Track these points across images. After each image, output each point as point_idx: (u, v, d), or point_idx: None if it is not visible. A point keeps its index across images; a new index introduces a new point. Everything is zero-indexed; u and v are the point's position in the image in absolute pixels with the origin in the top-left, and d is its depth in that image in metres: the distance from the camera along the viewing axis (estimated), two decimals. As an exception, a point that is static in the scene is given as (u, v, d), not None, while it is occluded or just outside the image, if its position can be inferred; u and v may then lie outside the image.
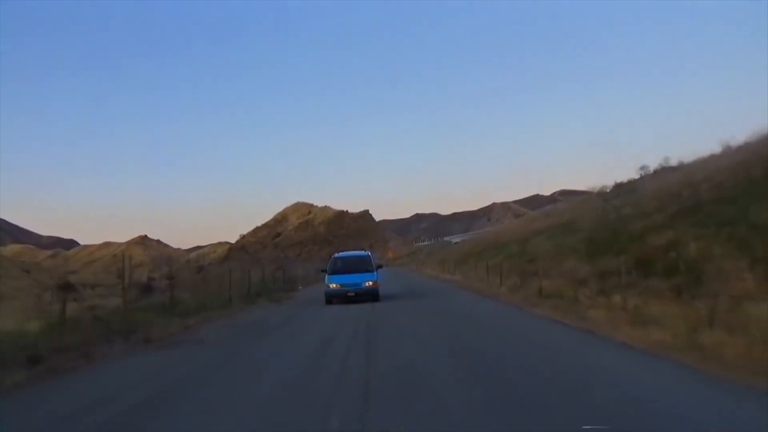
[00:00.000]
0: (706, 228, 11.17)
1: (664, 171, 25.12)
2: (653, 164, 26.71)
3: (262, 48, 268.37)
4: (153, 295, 25.25)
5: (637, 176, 26.45)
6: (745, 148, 18.04)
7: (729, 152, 19.42)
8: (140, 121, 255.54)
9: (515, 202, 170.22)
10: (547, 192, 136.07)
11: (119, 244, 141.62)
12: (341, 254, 20.82)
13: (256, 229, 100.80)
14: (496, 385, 5.41)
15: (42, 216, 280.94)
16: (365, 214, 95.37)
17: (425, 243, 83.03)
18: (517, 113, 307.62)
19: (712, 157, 20.55)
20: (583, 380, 5.46)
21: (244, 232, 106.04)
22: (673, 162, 24.39)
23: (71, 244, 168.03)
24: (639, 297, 9.82)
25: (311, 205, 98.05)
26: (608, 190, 26.72)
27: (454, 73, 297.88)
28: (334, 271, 18.27)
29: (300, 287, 28.87)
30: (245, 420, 4.66)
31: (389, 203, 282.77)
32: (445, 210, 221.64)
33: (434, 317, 12.27)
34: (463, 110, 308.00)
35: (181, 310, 14.45)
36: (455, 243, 62.57)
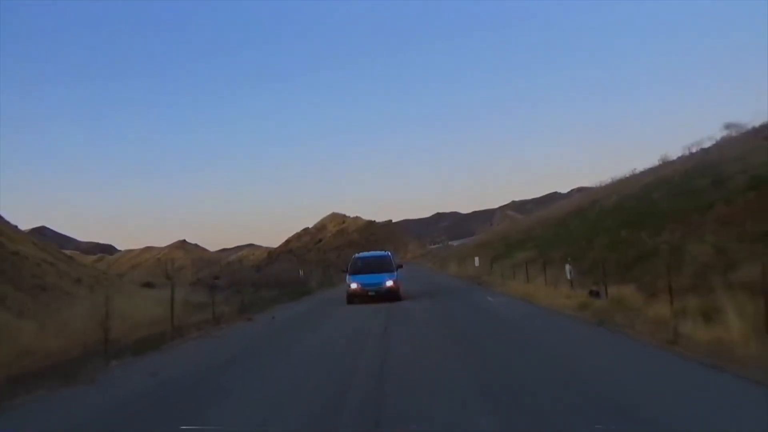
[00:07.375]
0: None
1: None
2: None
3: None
4: (219, 293, 31.14)
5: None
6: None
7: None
8: (177, 129, 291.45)
9: (532, 200, 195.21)
10: (564, 189, 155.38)
11: (160, 249, 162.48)
12: (362, 254, 21.88)
13: (298, 235, 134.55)
14: (420, 278, 38.44)
15: (79, 222, 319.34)
16: (389, 223, 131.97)
17: (436, 246, 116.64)
18: (536, 111, 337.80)
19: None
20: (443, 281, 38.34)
21: (283, 237, 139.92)
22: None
23: (110, 249, 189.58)
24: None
25: (345, 216, 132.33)
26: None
27: (476, 74, 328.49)
28: (355, 271, 19.40)
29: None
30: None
31: (411, 203, 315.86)
32: (466, 209, 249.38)
33: (413, 273, 44.98)
34: (483, 109, 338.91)
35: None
36: (455, 246, 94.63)
